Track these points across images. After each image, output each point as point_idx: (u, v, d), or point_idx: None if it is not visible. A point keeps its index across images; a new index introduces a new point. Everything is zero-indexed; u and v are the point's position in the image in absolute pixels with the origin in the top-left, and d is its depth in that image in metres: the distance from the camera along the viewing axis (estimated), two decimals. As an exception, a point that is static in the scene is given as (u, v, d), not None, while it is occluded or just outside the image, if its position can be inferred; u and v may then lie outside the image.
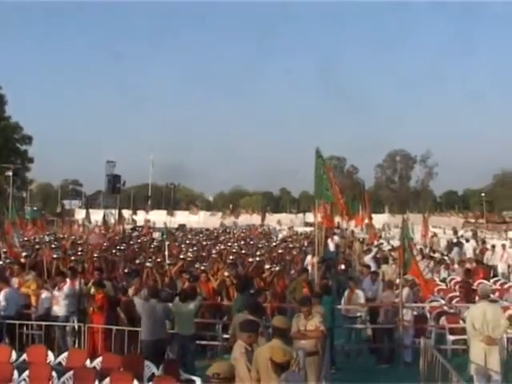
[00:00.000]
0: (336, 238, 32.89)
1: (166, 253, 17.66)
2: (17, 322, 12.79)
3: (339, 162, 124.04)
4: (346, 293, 14.70)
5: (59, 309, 13.35)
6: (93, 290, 13.08)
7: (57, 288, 13.64)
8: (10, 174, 50.57)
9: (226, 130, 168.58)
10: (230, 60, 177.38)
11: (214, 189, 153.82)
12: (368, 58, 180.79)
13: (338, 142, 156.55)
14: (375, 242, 29.63)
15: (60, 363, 10.62)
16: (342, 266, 15.08)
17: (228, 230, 43.97)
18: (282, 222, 61.15)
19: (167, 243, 18.52)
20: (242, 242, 27.58)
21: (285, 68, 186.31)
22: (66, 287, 13.55)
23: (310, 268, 17.79)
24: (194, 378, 9.83)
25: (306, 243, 33.38)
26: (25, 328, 13.00)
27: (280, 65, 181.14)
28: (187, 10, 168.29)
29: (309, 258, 22.54)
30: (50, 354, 10.80)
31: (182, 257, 17.97)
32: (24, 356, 10.80)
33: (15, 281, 15.31)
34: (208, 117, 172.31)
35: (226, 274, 15.24)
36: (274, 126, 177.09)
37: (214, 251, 20.59)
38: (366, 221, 30.56)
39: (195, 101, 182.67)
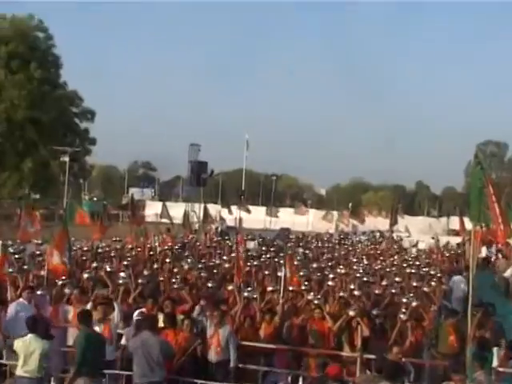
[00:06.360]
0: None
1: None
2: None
3: (499, 150, 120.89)
4: (495, 350, 13.64)
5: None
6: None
7: None
8: (66, 159, 49.81)
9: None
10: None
11: (326, 180, 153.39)
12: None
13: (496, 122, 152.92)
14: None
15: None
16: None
17: (346, 241, 42.55)
18: (409, 230, 57.40)
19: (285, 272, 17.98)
20: (366, 262, 26.78)
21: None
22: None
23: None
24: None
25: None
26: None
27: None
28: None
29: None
30: None
31: (290, 288, 17.54)
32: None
33: (70, 310, 15.14)
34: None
35: (351, 313, 14.82)
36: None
37: (330, 275, 20.05)
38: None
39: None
